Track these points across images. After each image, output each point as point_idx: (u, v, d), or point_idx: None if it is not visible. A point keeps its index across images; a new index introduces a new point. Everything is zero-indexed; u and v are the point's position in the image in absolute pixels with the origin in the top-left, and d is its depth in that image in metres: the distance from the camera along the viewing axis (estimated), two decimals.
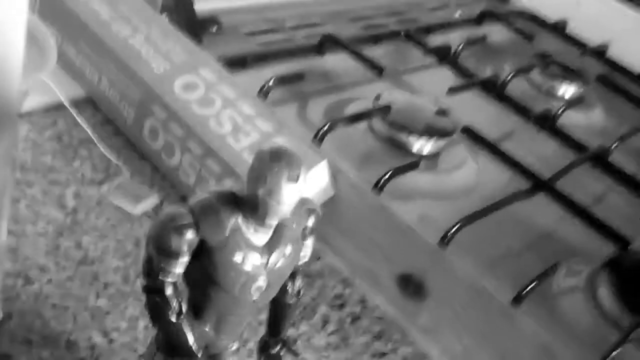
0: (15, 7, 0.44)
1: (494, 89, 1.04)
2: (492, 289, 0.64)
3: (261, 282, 0.42)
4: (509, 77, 1.05)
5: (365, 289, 0.70)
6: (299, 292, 0.48)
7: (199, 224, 0.40)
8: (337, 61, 1.00)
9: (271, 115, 0.72)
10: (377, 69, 0.98)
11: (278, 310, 0.48)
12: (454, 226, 0.71)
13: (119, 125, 0.77)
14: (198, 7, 0.97)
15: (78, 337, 0.58)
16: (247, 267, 0.41)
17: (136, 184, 0.71)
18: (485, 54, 1.16)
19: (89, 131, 0.74)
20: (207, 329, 0.44)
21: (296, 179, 0.39)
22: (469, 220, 0.73)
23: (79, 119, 0.74)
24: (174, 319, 0.42)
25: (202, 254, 0.41)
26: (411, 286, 0.68)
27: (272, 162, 0.39)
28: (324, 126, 0.79)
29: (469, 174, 0.88)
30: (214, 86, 0.73)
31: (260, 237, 0.42)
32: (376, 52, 1.02)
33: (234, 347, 0.47)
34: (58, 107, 0.76)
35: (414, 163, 0.82)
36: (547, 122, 1.00)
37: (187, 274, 0.42)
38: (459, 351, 0.66)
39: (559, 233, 0.80)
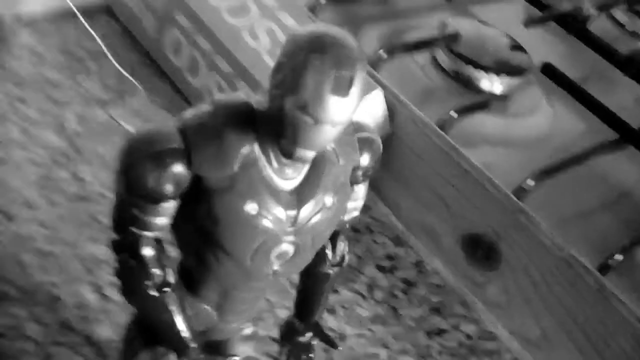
0: None
1: (573, 24, 0.90)
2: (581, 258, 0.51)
3: (286, 246, 0.29)
4: (590, 12, 0.91)
5: (422, 250, 0.58)
6: (341, 259, 0.34)
7: (192, 152, 0.27)
8: None
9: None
10: None
11: (311, 284, 0.34)
12: (528, 180, 0.58)
13: (136, 36, 0.65)
14: None
15: (64, 291, 0.46)
16: (266, 223, 0.28)
17: (152, 107, 0.59)
18: None
19: (100, 42, 0.62)
20: (206, 307, 0.31)
21: (348, 87, 0.25)
22: (546, 174, 0.60)
23: (89, 27, 0.62)
24: (153, 292, 0.29)
25: (197, 199, 0.27)
26: (480, 250, 0.55)
27: (311, 55, 0.25)
28: (380, 52, 0.68)
29: (544, 119, 0.75)
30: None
31: (287, 177, 0.28)
32: None
33: (246, 332, 0.33)
34: (66, 14, 0.64)
35: (482, 102, 0.71)
36: (633, 66, 0.86)
37: (177, 229, 0.29)
38: (536, 335, 0.53)
39: None
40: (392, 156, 0.59)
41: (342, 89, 0.25)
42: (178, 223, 0.29)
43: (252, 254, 0.28)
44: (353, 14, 0.79)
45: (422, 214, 0.58)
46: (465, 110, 0.67)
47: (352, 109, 0.26)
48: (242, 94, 0.27)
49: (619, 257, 0.55)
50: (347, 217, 0.33)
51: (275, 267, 0.29)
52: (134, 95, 0.60)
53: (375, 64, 0.66)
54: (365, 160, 0.31)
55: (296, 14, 0.61)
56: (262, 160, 0.27)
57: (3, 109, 0.55)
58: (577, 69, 0.85)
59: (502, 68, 0.74)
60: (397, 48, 0.71)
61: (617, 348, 0.50)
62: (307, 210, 0.28)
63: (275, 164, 0.27)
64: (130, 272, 0.29)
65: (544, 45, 0.86)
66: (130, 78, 0.60)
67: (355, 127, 0.30)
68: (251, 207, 0.27)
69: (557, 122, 0.75)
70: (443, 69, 0.75)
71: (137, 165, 0.27)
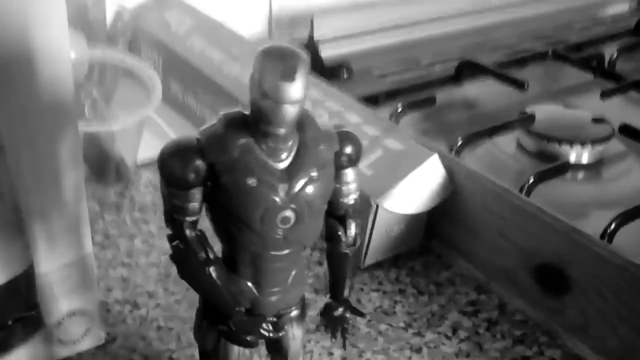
0: (55, 4, 0.44)
1: None
2: None
3: (287, 212, 0.37)
4: None
5: (503, 293, 0.62)
6: (354, 239, 0.41)
7: (205, 148, 0.37)
8: (477, 88, 0.95)
9: (376, 119, 0.68)
10: (519, 85, 0.91)
11: (334, 265, 0.42)
12: (611, 223, 0.62)
13: None
14: (327, 54, 0.96)
15: (180, 355, 0.55)
16: (265, 192, 0.36)
17: None
18: None
19: None
20: (246, 283, 0.39)
21: (293, 75, 0.34)
22: (628, 216, 0.64)
23: None
24: (200, 268, 0.38)
25: (214, 183, 0.37)
26: (550, 277, 0.59)
27: (265, 59, 0.35)
28: (458, 139, 0.74)
29: (638, 178, 0.78)
30: (320, 102, 0.70)
31: (279, 159, 0.37)
32: (521, 75, 0.95)
33: (294, 313, 0.41)
34: None
35: (560, 166, 0.74)
36: None
37: (210, 215, 0.38)
38: (615, 344, 0.55)
39: None
40: (460, 212, 0.65)
41: (289, 75, 0.34)
42: (210, 210, 0.38)
43: (260, 218, 0.37)
44: (439, 122, 0.86)
45: (496, 258, 0.63)
46: (546, 175, 0.71)
47: (300, 89, 0.35)
48: (239, 108, 0.37)
49: None
50: (347, 200, 0.40)
51: (281, 231, 0.37)
52: None
53: (455, 151, 0.72)
54: (346, 148, 0.39)
55: (359, 111, 0.70)
56: (256, 147, 0.36)
57: (130, 231, 0.67)
58: None
59: (585, 139, 0.78)
60: (475, 135, 0.77)
61: None
62: (297, 182, 0.37)
63: (266, 149, 0.37)
64: (181, 254, 0.38)
65: (627, 115, 0.88)
66: None
67: (335, 125, 0.39)
68: (251, 181, 0.36)
69: None
70: (528, 152, 0.81)
71: (167, 162, 0.37)
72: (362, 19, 1.01)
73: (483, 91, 0.94)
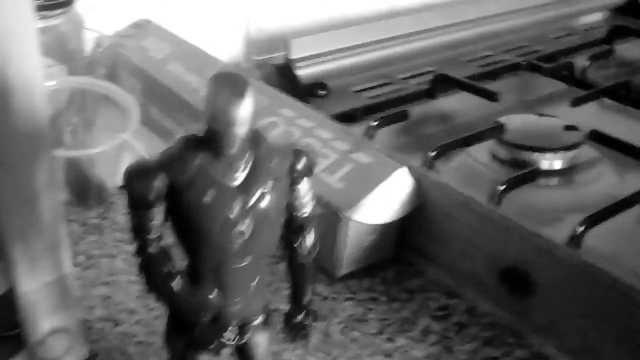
0: (23, 17, 0.46)
1: (623, 95, 0.96)
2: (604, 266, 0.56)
3: (243, 226, 0.39)
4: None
5: (472, 297, 0.64)
6: (310, 251, 0.44)
7: (166, 168, 0.39)
8: (452, 102, 0.97)
9: (347, 134, 0.70)
10: (491, 96, 0.93)
11: (293, 274, 0.45)
12: (580, 226, 0.64)
13: None
14: (304, 73, 0.98)
15: None
16: (221, 209, 0.39)
17: None
18: (618, 70, 1.08)
19: None
20: (210, 295, 0.42)
21: (237, 99, 0.37)
22: (596, 219, 0.66)
23: None
24: (164, 281, 0.40)
25: (175, 200, 0.39)
26: (516, 280, 0.61)
27: (214, 86, 0.37)
28: (432, 151, 0.75)
29: (610, 185, 0.80)
30: (293, 120, 0.73)
31: (233, 176, 0.39)
32: (494, 87, 0.97)
33: (258, 321, 0.43)
34: None
35: (529, 173, 0.76)
36: None
37: (174, 232, 0.41)
38: (579, 343, 0.57)
39: None
40: (429, 222, 0.67)
41: (234, 100, 0.37)
42: (172, 226, 0.40)
43: (217, 233, 0.39)
44: (415, 137, 0.87)
45: (464, 264, 0.65)
46: (516, 182, 0.73)
47: (247, 111, 0.37)
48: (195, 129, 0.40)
49: None
50: (301, 213, 0.43)
51: (239, 243, 0.40)
52: None
53: (429, 162, 0.73)
54: (299, 163, 0.42)
55: (330, 127, 0.72)
56: (211, 167, 0.39)
57: (111, 251, 0.69)
58: (636, 135, 0.89)
59: (556, 145, 0.80)
60: (448, 146, 0.79)
61: None
62: (251, 196, 0.40)
63: (220, 168, 0.39)
64: (147, 267, 0.41)
65: (598, 121, 0.89)
66: None
67: (288, 142, 0.41)
68: (207, 199, 0.39)
69: (625, 184, 0.78)
70: (502, 160, 0.83)
71: (130, 183, 0.40)
72: (338, 37, 1.03)
73: (457, 104, 0.96)
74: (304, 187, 0.42)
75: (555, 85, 1.02)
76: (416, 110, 0.91)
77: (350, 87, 1.01)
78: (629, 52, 1.13)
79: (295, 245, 0.44)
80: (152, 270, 0.41)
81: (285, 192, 0.41)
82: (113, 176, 0.75)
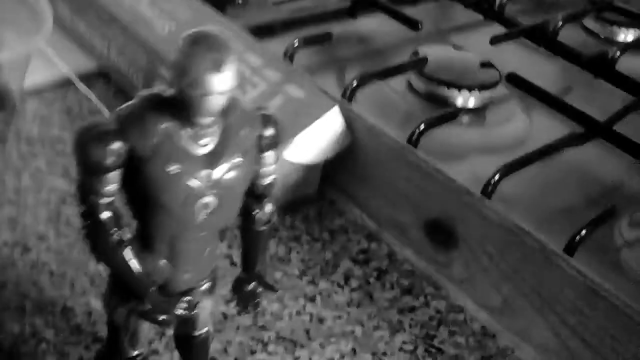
0: None
1: (543, 37, 0.96)
2: (529, 227, 0.57)
3: (208, 199, 0.37)
4: (559, 25, 0.97)
5: (393, 242, 0.64)
6: (269, 218, 0.42)
7: (124, 131, 0.35)
8: (371, 23, 0.95)
9: (280, 64, 0.67)
10: (413, 25, 0.92)
11: (248, 241, 0.43)
12: (494, 175, 0.64)
13: (129, 93, 0.73)
14: None
15: (75, 302, 0.55)
16: (186, 180, 0.36)
17: None
18: (535, 7, 1.08)
19: (95, 101, 0.71)
20: (161, 262, 0.39)
21: (220, 65, 0.33)
22: (511, 168, 0.66)
23: (83, 90, 0.71)
24: (113, 248, 0.37)
25: (134, 168, 0.36)
26: (440, 233, 0.61)
27: (192, 48, 0.34)
28: (353, 81, 0.74)
29: (520, 126, 0.81)
30: None
31: (201, 144, 0.36)
32: (414, 12, 0.95)
33: (205, 286, 0.41)
34: (69, 82, 0.74)
35: (449, 114, 0.76)
36: (603, 67, 0.91)
37: (127, 196, 0.38)
38: (498, 302, 0.59)
39: (618, 182, 0.72)
40: (356, 162, 0.66)
41: (217, 66, 0.33)
42: (127, 191, 0.37)
43: (180, 205, 0.36)
44: (332, 58, 0.85)
45: (389, 210, 0.65)
46: (435, 122, 0.73)
47: (229, 80, 0.34)
48: (158, 88, 0.36)
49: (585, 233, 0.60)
50: (264, 180, 0.41)
51: (201, 217, 0.37)
52: None
53: (349, 93, 0.71)
54: (268, 131, 0.39)
55: (259, 53, 0.69)
56: (178, 133, 0.36)
57: (17, 165, 0.65)
58: (551, 78, 0.91)
59: (473, 84, 0.80)
60: (369, 76, 0.77)
61: (565, 301, 0.56)
62: (220, 168, 0.37)
63: (187, 135, 0.36)
64: (95, 233, 0.37)
65: (517, 60, 0.91)
66: None
67: (258, 107, 0.38)
68: (172, 168, 0.35)
69: (534, 128, 0.80)
70: (418, 93, 0.82)
71: (84, 146, 0.35)
72: None
73: (377, 26, 0.94)
74: (271, 156, 0.40)
75: (472, 16, 1.01)
76: (335, 29, 0.88)
77: None
78: None
79: (253, 213, 0.41)
80: (99, 237, 0.37)
81: (253, 162, 0.39)
82: (19, 81, 0.69)
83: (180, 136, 0.36)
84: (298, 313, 0.57)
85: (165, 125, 0.35)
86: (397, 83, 0.82)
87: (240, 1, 0.94)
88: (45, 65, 0.73)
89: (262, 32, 0.83)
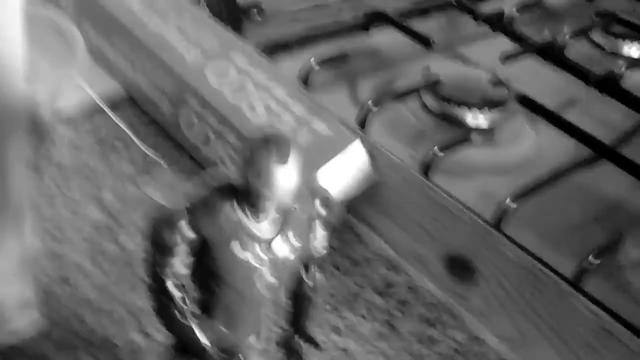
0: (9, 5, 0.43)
1: (551, 53, 0.98)
2: (545, 267, 0.60)
3: (268, 276, 0.40)
4: (567, 39, 0.99)
5: (414, 274, 0.67)
6: (317, 285, 0.45)
7: (196, 220, 0.39)
8: (384, 38, 0.96)
9: (304, 97, 0.70)
10: (425, 42, 0.94)
11: (296, 301, 0.46)
12: (507, 201, 0.67)
13: (156, 119, 0.76)
14: None
15: (118, 338, 0.57)
16: (249, 258, 0.40)
17: (175, 178, 0.70)
18: (543, 18, 1.10)
19: (122, 125, 0.73)
20: (220, 327, 0.42)
21: (285, 160, 0.37)
22: (524, 194, 0.69)
23: (111, 114, 0.73)
24: (180, 319, 0.41)
25: (203, 251, 0.39)
26: (459, 267, 0.64)
27: (260, 145, 0.38)
28: (368, 105, 0.76)
29: (529, 145, 0.83)
30: (244, 69, 0.72)
31: (264, 227, 0.40)
32: (426, 26, 0.97)
33: (260, 347, 0.45)
34: (97, 108, 0.76)
35: (463, 137, 0.78)
36: (609, 84, 0.93)
37: (195, 275, 0.41)
38: (515, 335, 0.62)
39: (626, 203, 0.75)
40: (379, 197, 0.69)
41: (281, 162, 0.38)
42: (195, 271, 0.41)
43: (241, 281, 0.40)
44: (346, 72, 0.87)
45: (411, 244, 0.68)
46: (449, 146, 0.75)
47: (292, 175, 0.38)
48: (227, 176, 0.40)
49: (594, 260, 0.62)
50: (314, 253, 0.44)
51: (268, 295, 0.41)
52: (159, 170, 0.71)
53: (365, 114, 0.74)
54: (325, 212, 0.43)
55: (285, 85, 0.71)
56: (243, 217, 0.40)
57: (52, 191, 0.67)
58: (559, 95, 0.92)
59: (484, 103, 0.81)
60: (385, 98, 0.79)
61: (579, 338, 0.59)
62: (278, 247, 0.40)
63: (252, 219, 0.40)
64: (163, 306, 0.41)
65: (527, 76, 0.91)
66: (154, 156, 0.72)
67: (312, 188, 0.42)
68: (237, 248, 0.39)
69: (542, 147, 0.81)
70: (432, 112, 0.84)
71: (158, 230, 0.39)
72: None
73: (389, 39, 0.95)
74: (322, 233, 0.43)
75: (481, 28, 1.03)
76: (349, 44, 0.90)
77: (284, 9, 0.98)
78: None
79: (304, 278, 0.45)
80: (170, 309, 0.41)
81: (308, 242, 0.42)
82: (51, 109, 0.71)
83: (246, 222, 0.39)
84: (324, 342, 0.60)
85: (233, 210, 0.39)
86: (411, 101, 0.84)
87: (256, 15, 0.96)
88: (75, 91, 0.75)
89: (279, 48, 0.86)
